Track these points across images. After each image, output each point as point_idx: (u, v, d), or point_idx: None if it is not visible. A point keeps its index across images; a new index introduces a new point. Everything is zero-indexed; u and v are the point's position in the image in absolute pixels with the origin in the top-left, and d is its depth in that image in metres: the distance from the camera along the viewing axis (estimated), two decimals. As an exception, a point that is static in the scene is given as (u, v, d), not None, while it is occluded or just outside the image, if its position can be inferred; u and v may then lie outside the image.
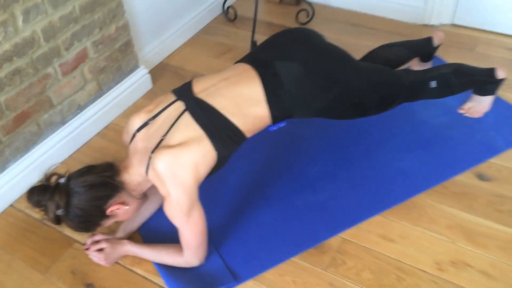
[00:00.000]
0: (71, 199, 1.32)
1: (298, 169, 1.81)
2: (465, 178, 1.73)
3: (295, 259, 1.53)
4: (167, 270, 1.51)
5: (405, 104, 1.67)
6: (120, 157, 1.88)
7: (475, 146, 1.84)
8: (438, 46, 2.05)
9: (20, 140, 1.78)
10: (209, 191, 1.67)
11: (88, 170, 1.39)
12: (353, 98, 1.52)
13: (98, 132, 2.08)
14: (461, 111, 1.97)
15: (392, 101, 1.59)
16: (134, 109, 2.18)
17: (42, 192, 1.33)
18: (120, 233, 1.60)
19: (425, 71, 1.70)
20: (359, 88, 1.51)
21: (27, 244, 1.64)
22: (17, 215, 1.75)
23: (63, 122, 1.94)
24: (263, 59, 1.50)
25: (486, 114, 1.94)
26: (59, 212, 1.32)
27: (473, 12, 2.45)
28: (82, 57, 1.91)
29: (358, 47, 2.39)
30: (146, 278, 1.52)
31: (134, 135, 1.45)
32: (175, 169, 1.31)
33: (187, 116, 1.39)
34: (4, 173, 1.76)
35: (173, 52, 2.56)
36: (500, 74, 1.81)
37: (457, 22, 2.53)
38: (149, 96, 2.26)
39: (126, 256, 1.57)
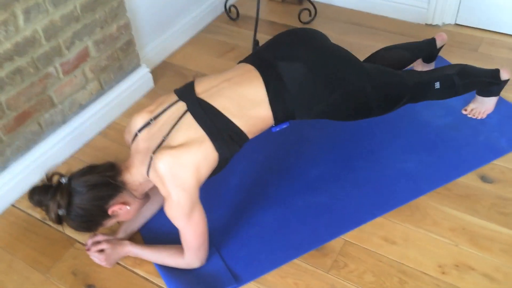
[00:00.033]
0: (73, 199, 1.32)
1: (300, 170, 1.80)
2: (468, 180, 1.72)
3: (297, 261, 1.52)
4: (168, 271, 1.50)
5: (408, 104, 1.66)
6: (121, 156, 1.88)
7: (478, 147, 1.83)
8: (441, 47, 2.04)
9: (21, 140, 1.77)
10: (210, 191, 1.67)
11: (90, 170, 1.39)
12: (357, 99, 1.51)
13: (100, 132, 2.07)
14: (464, 112, 1.96)
15: (396, 102, 1.58)
16: (136, 108, 2.18)
17: (43, 192, 1.33)
18: (121, 234, 1.60)
19: (429, 72, 1.69)
20: (363, 90, 1.49)
21: (28, 244, 1.64)
22: (18, 214, 1.74)
23: (64, 121, 1.93)
24: (267, 60, 1.49)
25: (490, 115, 1.93)
26: (61, 211, 1.31)
27: (476, 12, 2.43)
28: (83, 56, 1.90)
29: (360, 46, 2.39)
30: (147, 279, 1.51)
31: (136, 135, 1.44)
32: (176, 170, 1.31)
33: (189, 117, 1.38)
34: (5, 172, 1.75)
35: (175, 51, 2.55)
36: (504, 75, 1.80)
37: (460, 22, 2.52)
38: (151, 95, 2.25)
39: (127, 257, 1.56)
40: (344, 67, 1.50)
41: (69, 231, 1.63)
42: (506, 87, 1.89)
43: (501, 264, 1.46)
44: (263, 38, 2.50)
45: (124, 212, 1.42)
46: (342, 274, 1.47)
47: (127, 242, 1.55)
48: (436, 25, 2.54)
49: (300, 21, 2.68)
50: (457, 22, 2.53)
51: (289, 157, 1.86)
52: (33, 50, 1.68)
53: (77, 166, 1.85)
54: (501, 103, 1.96)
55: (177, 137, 1.36)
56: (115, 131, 2.07)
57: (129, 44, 2.11)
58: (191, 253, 1.44)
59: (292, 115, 1.47)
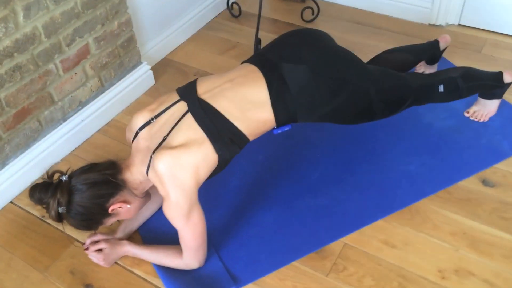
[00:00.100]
0: (73, 197, 1.32)
1: (300, 171, 1.79)
2: (470, 183, 1.71)
3: (296, 264, 1.51)
4: (166, 271, 1.49)
5: (411, 107, 1.64)
6: (121, 154, 1.88)
7: (480, 150, 1.82)
8: (444, 49, 2.02)
9: (20, 137, 1.76)
10: (209, 192, 1.67)
11: (90, 168, 1.39)
12: (361, 103, 1.49)
13: (100, 129, 2.06)
14: (466, 115, 1.94)
15: (399, 105, 1.57)
16: (136, 105, 2.17)
17: (44, 190, 1.33)
18: (119, 233, 1.59)
19: (433, 74, 1.68)
20: (366, 93, 1.48)
21: (27, 242, 1.63)
22: (17, 212, 1.74)
23: (64, 118, 1.92)
24: (270, 61, 1.47)
25: (492, 118, 1.92)
26: (61, 209, 1.31)
27: (481, 12, 2.41)
28: (83, 53, 1.88)
29: (363, 46, 2.38)
30: (145, 280, 1.50)
31: (136, 134, 1.44)
32: (175, 170, 1.30)
33: (189, 118, 1.38)
34: (4, 169, 1.74)
35: (176, 48, 2.53)
36: (507, 78, 1.78)
37: (464, 22, 2.50)
38: (152, 93, 2.24)
39: (125, 257, 1.56)
40: (348, 70, 1.49)
41: (69, 230, 1.62)
42: (509, 89, 1.88)
43: (501, 270, 1.45)
44: (265, 36, 2.48)
45: (125, 210, 1.42)
46: (341, 278, 1.47)
47: (125, 242, 1.55)
48: (440, 25, 2.52)
49: (303, 19, 2.66)
50: (461, 23, 2.51)
51: (289, 158, 1.85)
52: (33, 47, 1.67)
53: (76, 163, 1.85)
54: (504, 105, 1.95)
55: (177, 137, 1.35)
56: (115, 128, 2.06)
57: (130, 41, 2.10)
58: (190, 254, 1.44)
59: (294, 118, 1.46)
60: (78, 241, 1.62)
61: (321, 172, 1.79)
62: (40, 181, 1.37)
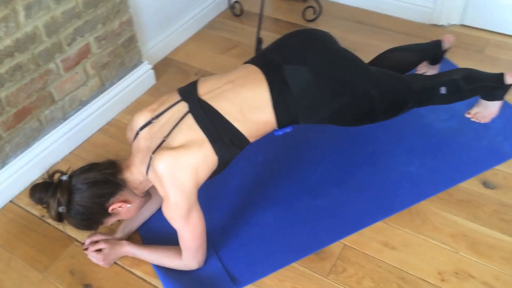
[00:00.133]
0: (73, 196, 1.32)
1: (301, 172, 1.79)
2: (470, 185, 1.70)
3: (295, 265, 1.51)
4: (165, 272, 1.49)
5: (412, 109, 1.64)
6: (121, 154, 1.88)
7: (481, 152, 1.81)
8: (447, 49, 2.01)
9: (20, 136, 1.76)
10: (209, 192, 1.66)
11: (91, 167, 1.39)
12: (363, 105, 1.49)
13: (100, 128, 2.06)
14: (468, 116, 1.94)
15: (401, 107, 1.56)
16: (137, 105, 2.16)
17: (44, 189, 1.34)
18: (119, 234, 1.59)
19: (434, 76, 1.67)
20: (369, 96, 1.47)
21: (27, 242, 1.63)
22: (17, 211, 1.74)
23: (65, 118, 1.92)
24: (272, 62, 1.47)
25: (494, 120, 1.91)
26: (61, 209, 1.32)
27: (483, 12, 2.40)
28: (84, 53, 1.88)
29: (364, 45, 2.37)
30: (144, 280, 1.50)
31: (137, 133, 1.44)
32: (175, 171, 1.30)
33: (189, 118, 1.37)
34: (4, 169, 1.74)
35: (177, 47, 2.53)
36: (508, 79, 1.77)
37: (466, 22, 2.49)
38: (152, 92, 2.24)
39: (125, 257, 1.56)
40: (350, 72, 1.48)
41: (68, 230, 1.63)
42: (511, 90, 1.86)
43: (501, 273, 1.45)
44: (267, 35, 2.47)
45: (125, 210, 1.42)
46: (340, 279, 1.47)
47: (125, 242, 1.55)
48: (442, 26, 2.51)
49: (304, 18, 2.65)
50: (463, 23, 2.50)
51: (290, 158, 1.85)
52: (34, 46, 1.67)
53: (76, 163, 1.86)
54: (505, 107, 1.94)
55: (177, 138, 1.35)
56: (115, 128, 2.06)
57: (131, 40, 2.09)
58: (189, 254, 1.44)
59: (295, 120, 1.46)
60: (77, 241, 1.62)
61: (321, 173, 1.78)
62: (41, 181, 1.37)
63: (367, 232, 1.58)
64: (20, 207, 1.75)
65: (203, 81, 1.48)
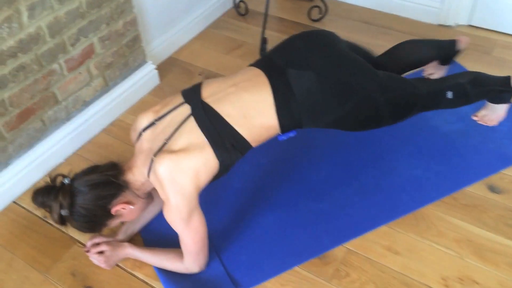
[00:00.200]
0: (75, 199, 1.32)
1: (304, 174, 1.77)
2: (476, 189, 1.68)
3: (297, 269, 1.50)
4: (167, 275, 1.49)
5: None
6: (124, 154, 1.88)
7: (487, 155, 1.79)
8: (460, 51, 1.94)
9: (23, 137, 1.76)
10: (211, 194, 1.66)
11: (92, 169, 1.39)
12: (368, 111, 1.46)
13: (104, 129, 2.05)
14: (474, 118, 1.91)
15: (407, 112, 1.53)
16: (141, 105, 2.16)
17: (46, 193, 1.33)
18: (121, 236, 1.59)
19: (440, 80, 1.64)
20: (374, 101, 1.44)
21: (28, 243, 1.63)
22: (19, 212, 1.74)
23: (68, 118, 1.91)
24: (276, 65, 1.45)
25: (501, 123, 1.88)
26: (64, 212, 1.31)
27: (492, 13, 2.37)
28: (88, 53, 1.88)
29: (371, 46, 2.30)
30: (146, 283, 1.50)
31: (140, 134, 1.43)
32: (175, 175, 1.29)
33: (191, 121, 1.36)
34: (7, 169, 1.74)
35: (182, 46, 2.52)
36: (516, 82, 1.74)
37: (474, 23, 2.46)
38: (156, 92, 2.23)
39: (127, 259, 1.55)
40: (356, 77, 1.45)
41: (70, 231, 1.61)
42: (519, 94, 1.84)
43: (506, 279, 1.43)
44: (272, 35, 2.46)
45: (128, 211, 1.41)
46: (343, 284, 1.45)
47: (126, 244, 1.54)
48: (449, 26, 2.48)
49: (310, 18, 2.63)
50: (471, 23, 2.47)
51: (292, 161, 1.83)
52: (37, 47, 1.66)
53: (79, 164, 1.86)
54: (512, 110, 1.91)
55: (178, 141, 1.34)
56: (118, 128, 2.06)
57: (135, 40, 2.09)
58: (190, 258, 1.43)
59: (299, 124, 1.44)
60: (79, 242, 1.62)
61: (324, 175, 1.77)
62: (43, 185, 1.36)
63: (371, 236, 1.57)
64: (23, 207, 1.75)
65: (207, 83, 1.47)
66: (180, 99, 1.43)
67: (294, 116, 1.41)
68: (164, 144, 1.35)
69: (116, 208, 1.37)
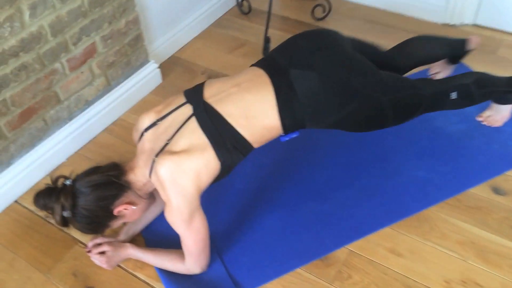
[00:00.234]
0: (77, 200, 1.31)
1: (306, 175, 1.76)
2: (480, 191, 1.67)
3: (299, 271, 1.49)
4: (168, 276, 1.48)
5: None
6: (126, 154, 1.87)
7: (492, 156, 1.77)
8: (470, 51, 1.92)
9: (25, 136, 1.75)
10: (213, 195, 1.65)
11: (94, 170, 1.38)
12: (372, 112, 1.45)
13: (106, 128, 2.05)
14: (479, 119, 1.90)
15: (411, 113, 1.52)
16: (143, 104, 2.15)
17: (48, 195, 1.33)
18: (122, 236, 1.58)
19: (445, 81, 1.62)
20: (378, 102, 1.43)
21: (30, 243, 1.63)
22: (21, 211, 1.74)
23: (70, 117, 1.91)
24: (279, 65, 1.44)
25: (506, 123, 1.87)
26: (66, 213, 1.31)
27: (497, 12, 2.35)
28: (90, 52, 1.87)
29: (374, 46, 2.32)
30: (147, 284, 1.49)
31: (142, 135, 1.42)
32: (177, 176, 1.29)
33: (193, 122, 1.36)
34: (9, 169, 1.74)
35: (184, 45, 2.51)
36: (521, 83, 1.73)
37: (479, 22, 2.44)
38: (159, 92, 2.22)
39: (128, 260, 1.55)
40: (359, 78, 1.43)
41: (72, 231, 1.63)
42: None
43: (510, 282, 1.42)
44: (275, 34, 2.45)
45: (130, 212, 1.41)
46: (345, 286, 1.44)
47: (128, 244, 1.54)
48: (454, 25, 2.46)
49: (314, 17, 2.62)
50: (476, 23, 2.45)
51: (295, 161, 1.82)
52: (39, 46, 1.66)
53: (81, 163, 1.86)
54: (518, 110, 1.89)
55: (180, 142, 1.33)
56: (120, 127, 2.05)
57: (138, 39, 2.08)
58: (191, 259, 1.42)
59: (302, 125, 1.43)
60: (81, 242, 1.61)
61: (327, 176, 1.76)
62: (44, 187, 1.36)
63: (374, 238, 1.56)
64: (25, 207, 1.75)
65: (209, 83, 1.46)
66: (182, 99, 1.43)
67: (297, 117, 1.40)
68: (166, 144, 1.35)
69: (119, 209, 1.37)
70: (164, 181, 1.29)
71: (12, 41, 1.56)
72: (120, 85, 2.07)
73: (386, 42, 2.34)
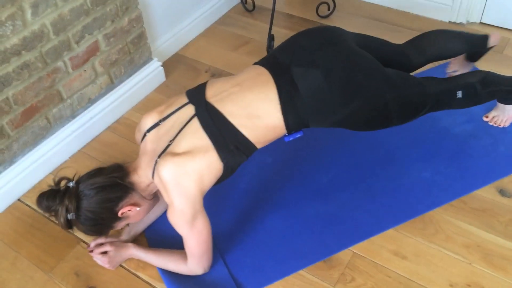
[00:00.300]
0: (81, 202, 1.31)
1: (310, 176, 1.75)
2: (486, 193, 1.65)
3: (302, 272, 1.48)
4: (170, 276, 1.47)
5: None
6: (129, 152, 1.87)
7: (498, 158, 1.75)
8: (490, 48, 1.86)
9: (28, 135, 1.75)
10: (216, 195, 1.64)
11: (97, 172, 1.37)
12: (376, 110, 1.43)
13: (109, 126, 2.04)
14: (485, 119, 1.87)
15: (417, 112, 1.50)
16: (146, 103, 2.14)
17: (51, 197, 1.32)
18: (125, 236, 1.58)
19: (450, 80, 1.60)
20: (383, 100, 1.41)
21: (33, 241, 1.63)
22: (24, 210, 1.73)
23: (73, 116, 1.90)
24: (282, 63, 1.42)
25: (512, 124, 1.85)
26: (70, 216, 1.30)
27: (504, 10, 2.32)
28: (93, 50, 1.86)
29: (379, 45, 2.30)
30: (149, 284, 1.49)
31: (145, 135, 1.42)
32: (179, 178, 1.28)
33: (195, 122, 1.34)
34: (12, 167, 1.73)
35: (188, 43, 2.49)
36: (528, 83, 1.70)
37: (486, 21, 2.41)
38: (162, 90, 2.21)
39: (131, 260, 1.54)
40: (364, 76, 1.41)
41: (76, 231, 1.61)
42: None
43: (515, 286, 1.40)
44: (279, 31, 2.43)
45: (134, 213, 1.40)
46: (348, 289, 1.43)
47: (130, 244, 1.53)
48: (460, 23, 2.43)
49: (318, 15, 2.59)
50: (483, 21, 2.42)
51: (299, 161, 1.81)
52: (41, 44, 1.65)
53: (84, 162, 1.85)
54: (525, 111, 1.87)
55: (182, 143, 1.32)
56: (124, 126, 2.04)
57: (141, 37, 2.06)
58: (194, 260, 1.41)
59: (305, 124, 1.41)
60: (83, 242, 1.61)
61: (330, 177, 1.74)
62: (47, 188, 1.35)
63: (377, 240, 1.54)
64: (28, 205, 1.74)
65: (211, 83, 1.44)
66: (184, 99, 1.41)
67: (300, 116, 1.39)
68: (168, 145, 1.34)
69: (123, 210, 1.36)
70: (167, 183, 1.28)
71: (14, 40, 1.56)
72: (123, 83, 2.06)
73: (391, 40, 2.31)
